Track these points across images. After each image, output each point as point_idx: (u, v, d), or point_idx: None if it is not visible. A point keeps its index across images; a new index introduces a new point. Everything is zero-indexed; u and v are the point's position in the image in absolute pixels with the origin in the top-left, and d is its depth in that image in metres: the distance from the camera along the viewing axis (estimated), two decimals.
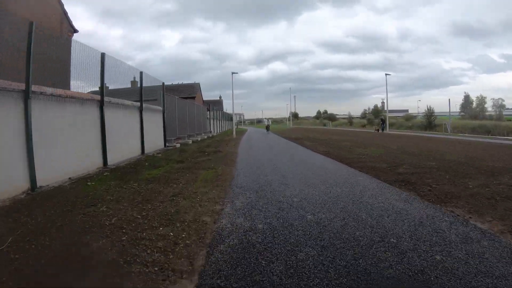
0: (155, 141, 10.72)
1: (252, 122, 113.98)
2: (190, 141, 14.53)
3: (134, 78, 12.94)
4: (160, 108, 11.45)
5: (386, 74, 26.58)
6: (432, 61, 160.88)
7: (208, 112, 23.64)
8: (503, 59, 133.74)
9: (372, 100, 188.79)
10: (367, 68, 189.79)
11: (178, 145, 12.22)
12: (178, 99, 14.61)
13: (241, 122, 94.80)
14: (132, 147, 8.76)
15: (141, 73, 9.61)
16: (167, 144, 11.76)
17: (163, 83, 11.78)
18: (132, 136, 8.80)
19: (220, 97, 60.80)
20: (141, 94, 9.48)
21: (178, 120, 14.31)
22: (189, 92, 30.12)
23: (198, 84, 33.20)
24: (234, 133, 21.34)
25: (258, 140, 17.41)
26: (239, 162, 8.09)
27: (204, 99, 42.16)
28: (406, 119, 66.04)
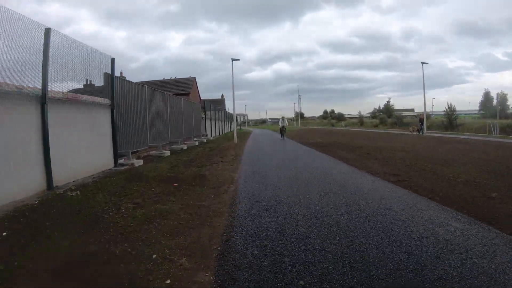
0: (88, 159, 6.02)
1: (256, 123, 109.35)
2: (168, 153, 9.84)
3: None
4: (106, 101, 6.76)
5: (422, 63, 21.64)
6: (437, 60, 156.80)
7: (204, 111, 18.93)
8: (507, 58, 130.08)
9: (376, 100, 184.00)
10: (371, 68, 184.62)
11: (139, 163, 7.51)
12: (150, 89, 9.92)
13: (245, 123, 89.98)
14: (10, 180, 4.07)
15: (48, 30, 4.91)
16: (119, 162, 7.08)
17: (113, 59, 7.08)
18: (10, 158, 4.12)
19: (222, 95, 55.94)
20: (44, 68, 4.80)
21: (151, 121, 9.65)
22: (183, 87, 25.47)
23: (194, 79, 28.40)
24: (236, 137, 16.60)
25: (268, 148, 12.68)
26: (239, 219, 3.35)
27: (207, 99, 37.60)
28: None
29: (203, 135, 18.06)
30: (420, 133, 20.80)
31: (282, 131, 18.42)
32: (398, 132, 27.02)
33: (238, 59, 15.73)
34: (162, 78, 28.73)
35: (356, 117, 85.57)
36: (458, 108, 53.53)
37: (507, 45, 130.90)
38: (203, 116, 18.51)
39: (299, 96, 74.96)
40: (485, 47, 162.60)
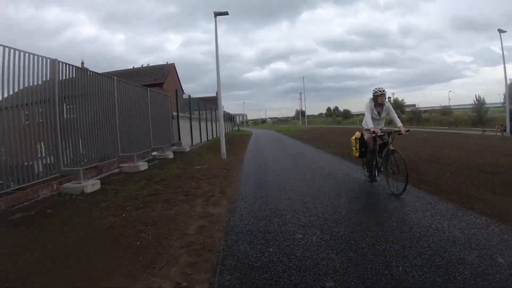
0: None
1: (256, 123, 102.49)
2: None
3: None
4: None
5: (500, 31, 14.75)
6: (435, 56, 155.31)
7: (177, 106, 12.10)
8: (505, 51, 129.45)
9: None
10: (370, 65, 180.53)
11: None
12: None
13: (243, 122, 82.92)
14: None
15: None
16: None
17: None
18: None
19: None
20: None
21: None
22: (156, 76, 18.77)
23: (172, 66, 21.38)
24: (224, 149, 9.74)
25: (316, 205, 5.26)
26: None
27: (201, 97, 31.04)
28: (443, 114, 53.59)
29: (173, 145, 11.27)
30: (505, 134, 14.08)
31: (378, 152, 4.80)
32: (448, 131, 19.89)
33: (226, 13, 8.98)
34: (132, 67, 21.96)
35: (360, 114, 79.08)
36: (466, 102, 46.89)
37: (505, 39, 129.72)
38: (174, 115, 11.73)
39: (300, 93, 67.97)
40: (483, 42, 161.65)
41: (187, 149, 11.38)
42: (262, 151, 11.49)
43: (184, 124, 12.98)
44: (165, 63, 21.25)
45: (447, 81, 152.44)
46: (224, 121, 31.44)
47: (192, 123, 14.10)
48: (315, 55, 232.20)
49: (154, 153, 9.28)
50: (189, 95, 13.57)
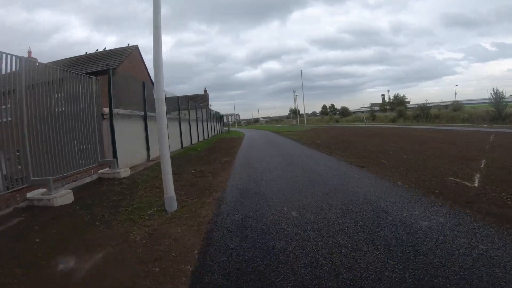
0: None
1: (248, 123, 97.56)
2: None
3: None
4: None
5: None
6: (426, 53, 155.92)
7: (109, 101, 7.13)
8: (495, 48, 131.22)
9: (369, 95, 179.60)
10: (362, 63, 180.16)
11: None
12: None
13: (235, 122, 77.28)
14: None
15: None
16: None
17: None
18: None
19: (205, 90, 44.29)
20: None
21: None
22: (109, 61, 13.80)
23: (134, 49, 16.20)
24: (171, 187, 4.15)
25: None
26: None
27: (188, 95, 26.62)
28: (455, 109, 49.39)
29: (102, 166, 6.40)
30: None
31: None
32: (501, 130, 14.71)
33: None
34: (85, 53, 16.93)
35: (358, 112, 75.92)
36: (467, 97, 42.88)
37: (496, 34, 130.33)
38: (105, 114, 6.80)
39: (293, 91, 63.30)
40: (473, 38, 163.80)
41: (124, 173, 6.43)
42: (261, 180, 5.71)
43: (132, 128, 8.11)
44: (127, 45, 16.22)
45: (439, 78, 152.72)
46: (211, 121, 26.07)
47: (149, 126, 9.19)
48: (306, 54, 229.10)
49: (36, 192, 4.40)
50: (143, 82, 8.68)
